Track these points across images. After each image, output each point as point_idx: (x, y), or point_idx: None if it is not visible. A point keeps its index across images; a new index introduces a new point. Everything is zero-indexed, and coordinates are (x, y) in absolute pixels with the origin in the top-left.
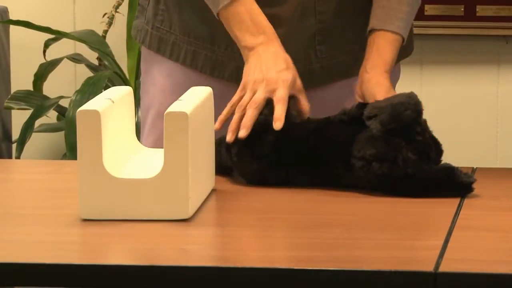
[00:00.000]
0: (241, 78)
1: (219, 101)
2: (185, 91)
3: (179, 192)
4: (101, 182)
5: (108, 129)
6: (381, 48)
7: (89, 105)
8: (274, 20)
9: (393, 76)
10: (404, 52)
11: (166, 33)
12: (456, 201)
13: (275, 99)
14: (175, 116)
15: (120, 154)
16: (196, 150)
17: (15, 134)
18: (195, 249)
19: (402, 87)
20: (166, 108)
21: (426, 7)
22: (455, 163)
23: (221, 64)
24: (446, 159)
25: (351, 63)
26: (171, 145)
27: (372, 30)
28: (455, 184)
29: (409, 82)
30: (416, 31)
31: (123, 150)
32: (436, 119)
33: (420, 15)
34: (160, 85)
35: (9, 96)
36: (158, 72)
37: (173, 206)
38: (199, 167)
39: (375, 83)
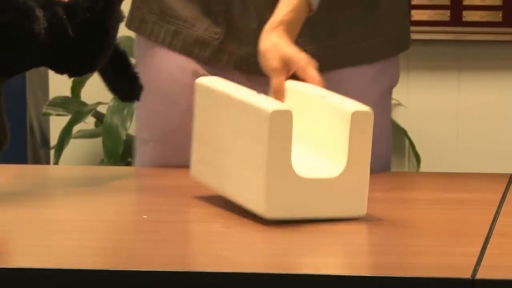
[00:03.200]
0: (222, 61)
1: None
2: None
3: (360, 190)
4: (289, 181)
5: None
6: (279, 5)
7: (279, 105)
8: (247, 13)
9: (385, 77)
10: (394, 46)
11: (147, 13)
12: (494, 207)
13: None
14: (361, 115)
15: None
16: None
17: (53, 140)
18: (231, 255)
19: (440, 93)
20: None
21: (464, 13)
22: (493, 169)
23: (201, 44)
24: (485, 165)
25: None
26: (355, 144)
27: None
28: None
29: (447, 88)
30: (454, 37)
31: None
32: (474, 125)
33: (458, 21)
34: (157, 71)
35: (47, 102)
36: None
37: (352, 204)
38: None
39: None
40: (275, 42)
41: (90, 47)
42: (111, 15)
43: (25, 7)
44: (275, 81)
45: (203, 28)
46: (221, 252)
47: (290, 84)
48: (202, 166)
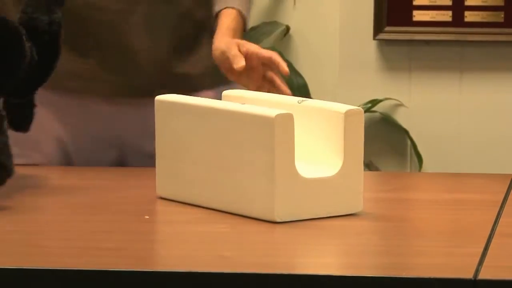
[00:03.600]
0: (95, 90)
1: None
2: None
3: (357, 186)
4: (295, 183)
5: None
6: (221, 20)
7: (279, 110)
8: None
9: None
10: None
11: None
12: (496, 208)
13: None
14: (353, 113)
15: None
16: None
17: None
18: (233, 256)
19: (441, 93)
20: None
21: (466, 13)
22: (495, 170)
23: (74, 76)
24: (487, 165)
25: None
26: (350, 141)
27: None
28: None
29: (449, 89)
30: (456, 37)
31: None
32: (476, 125)
33: (460, 22)
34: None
35: None
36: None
37: (350, 200)
38: None
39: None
40: (228, 40)
41: (45, 69)
42: (61, 37)
43: (17, 31)
44: (235, 58)
45: (72, 61)
46: (222, 253)
47: (260, 95)
48: (171, 182)
